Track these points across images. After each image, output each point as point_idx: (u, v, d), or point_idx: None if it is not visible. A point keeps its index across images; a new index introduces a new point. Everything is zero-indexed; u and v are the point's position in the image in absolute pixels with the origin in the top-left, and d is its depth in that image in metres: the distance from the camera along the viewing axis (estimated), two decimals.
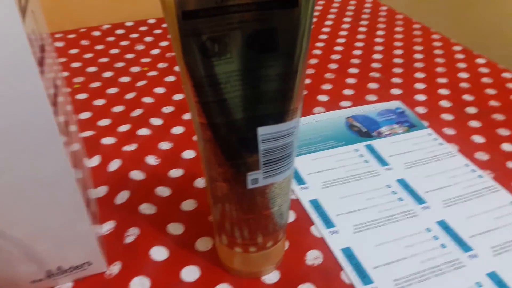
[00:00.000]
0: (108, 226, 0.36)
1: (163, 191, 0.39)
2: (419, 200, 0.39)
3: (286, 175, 0.27)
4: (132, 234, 0.35)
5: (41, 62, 0.24)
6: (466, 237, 0.35)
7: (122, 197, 0.38)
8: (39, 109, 0.23)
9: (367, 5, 0.81)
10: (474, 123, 0.48)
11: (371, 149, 0.44)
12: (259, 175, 0.25)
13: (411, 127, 0.48)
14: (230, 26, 0.21)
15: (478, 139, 0.46)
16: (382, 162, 0.43)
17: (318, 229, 0.36)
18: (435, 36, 0.69)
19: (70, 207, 0.27)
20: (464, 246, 0.34)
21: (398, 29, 0.71)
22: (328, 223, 0.36)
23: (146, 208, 0.37)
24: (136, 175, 0.40)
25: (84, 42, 0.65)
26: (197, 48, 0.21)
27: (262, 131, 0.24)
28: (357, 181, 0.41)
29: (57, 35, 0.67)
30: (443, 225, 0.36)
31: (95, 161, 0.42)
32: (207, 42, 0.21)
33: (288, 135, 0.25)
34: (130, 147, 0.44)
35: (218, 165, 0.25)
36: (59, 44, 0.65)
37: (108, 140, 0.45)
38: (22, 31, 0.20)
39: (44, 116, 0.23)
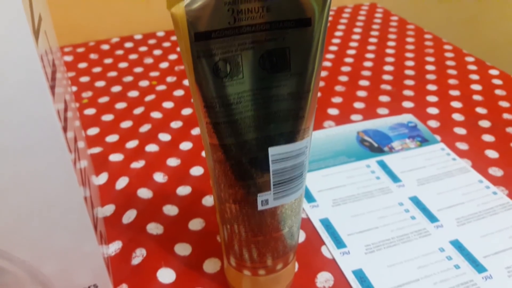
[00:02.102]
0: (115, 247, 0.35)
1: (170, 210, 0.38)
2: (432, 218, 0.38)
3: (297, 196, 0.26)
4: (139, 255, 0.34)
5: (53, 83, 0.24)
6: (480, 257, 0.34)
7: (129, 216, 0.38)
8: (48, 130, 0.22)
9: (377, 15, 0.81)
10: (488, 137, 0.47)
11: (382, 165, 0.44)
12: (270, 196, 0.25)
13: (423, 141, 0.47)
14: (242, 47, 0.21)
15: (491, 153, 0.45)
16: (394, 178, 0.42)
17: (329, 249, 0.35)
18: (447, 47, 0.68)
19: (78, 228, 0.27)
20: (478, 267, 0.33)
21: (409, 39, 0.71)
22: (339, 243, 0.35)
23: (153, 228, 0.36)
24: (144, 193, 0.40)
25: (93, 56, 0.65)
26: (209, 69, 0.21)
27: (273, 151, 0.23)
28: (369, 198, 0.40)
29: (66, 49, 0.67)
30: (457, 244, 0.35)
31: (102, 178, 0.42)
32: (219, 63, 0.21)
33: (300, 155, 0.24)
34: (138, 164, 0.43)
35: (228, 186, 0.25)
36: (68, 58, 0.64)
37: (116, 157, 0.44)
38: (36, 56, 0.20)
39: (53, 137, 0.23)
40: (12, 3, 0.19)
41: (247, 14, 0.20)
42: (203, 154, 0.45)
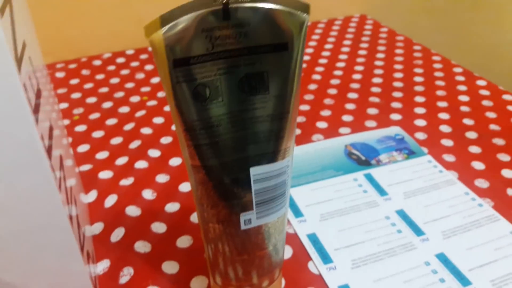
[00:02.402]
0: (103, 266, 0.35)
1: (158, 227, 0.39)
2: (418, 231, 0.38)
3: (280, 214, 0.26)
4: (126, 274, 0.34)
5: (36, 108, 0.24)
6: (465, 271, 0.35)
7: (118, 234, 0.38)
8: (31, 154, 0.23)
9: (367, 26, 0.81)
10: (474, 149, 0.48)
11: (370, 178, 0.44)
12: (252, 216, 0.25)
13: (411, 154, 0.47)
14: (221, 71, 0.21)
15: (478, 165, 0.45)
16: (381, 192, 0.42)
17: (316, 265, 0.35)
18: (435, 58, 0.69)
19: (63, 249, 0.27)
20: (463, 280, 0.34)
21: (398, 51, 0.71)
22: (326, 258, 0.36)
23: (141, 246, 0.37)
24: (132, 211, 0.40)
25: (84, 72, 0.66)
26: (189, 93, 0.21)
27: (255, 171, 0.24)
28: (356, 212, 0.40)
29: (58, 65, 0.68)
30: (442, 258, 0.36)
31: (92, 196, 0.42)
32: (199, 87, 0.21)
33: (281, 174, 0.25)
34: (127, 181, 0.44)
35: (211, 206, 0.25)
36: (60, 74, 0.65)
37: (105, 174, 0.45)
38: (18, 84, 0.20)
39: (36, 161, 0.23)
40: None
41: (224, 40, 0.21)
42: None
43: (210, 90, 0.21)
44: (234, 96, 0.22)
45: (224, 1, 0.20)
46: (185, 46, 0.20)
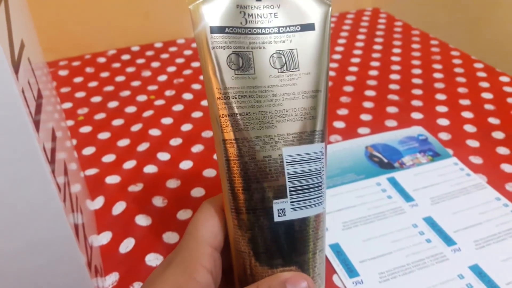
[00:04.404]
0: (112, 279, 0.33)
1: (170, 238, 0.36)
2: (448, 241, 0.35)
3: (316, 212, 0.24)
4: None
5: (37, 117, 0.22)
6: (503, 285, 0.32)
7: (127, 245, 0.35)
8: (34, 169, 0.21)
9: (381, 20, 0.79)
10: (503, 150, 0.45)
11: (394, 182, 0.41)
12: (287, 205, 0.24)
13: (435, 156, 0.44)
14: (253, 45, 0.23)
15: (508, 168, 0.43)
16: (407, 197, 0.40)
17: (341, 278, 0.33)
18: (454, 53, 0.66)
19: (69, 266, 0.25)
20: None
21: (415, 46, 0.68)
22: (352, 271, 0.33)
23: (153, 259, 0.34)
24: (142, 220, 0.38)
25: (88, 70, 0.63)
26: (223, 59, 0.23)
27: (287, 152, 0.23)
28: (381, 220, 0.37)
29: (61, 63, 0.65)
30: (477, 270, 0.33)
31: (98, 203, 0.40)
32: (232, 56, 0.23)
33: (315, 160, 0.24)
34: (136, 187, 0.41)
35: (242, 190, 0.23)
36: (63, 72, 0.62)
37: (112, 179, 0.42)
38: (15, 91, 0.19)
39: (36, 169, 0.21)
40: None
41: (256, 18, 0.23)
42: (204, 173, 0.43)
43: (243, 61, 0.23)
44: (266, 70, 0.23)
45: None
46: (221, 16, 0.23)
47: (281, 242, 0.24)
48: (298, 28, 0.24)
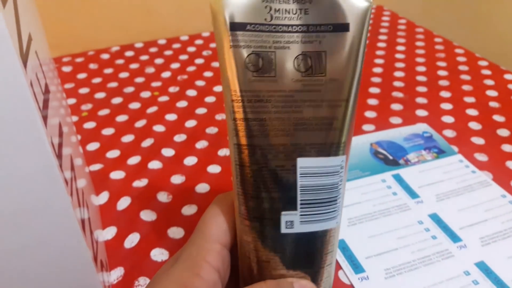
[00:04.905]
0: (117, 274, 0.33)
1: (175, 233, 0.36)
2: (454, 238, 0.35)
3: (328, 227, 0.23)
4: (142, 285, 0.32)
5: (44, 112, 0.22)
6: (509, 281, 0.32)
7: (132, 240, 0.35)
8: (43, 163, 0.21)
9: (384, 18, 0.78)
10: (508, 147, 0.45)
11: (399, 179, 0.41)
12: (296, 218, 0.22)
13: (440, 153, 0.44)
14: (277, 45, 0.21)
15: None
16: (412, 194, 0.40)
17: (346, 274, 0.33)
18: (458, 51, 0.66)
19: (76, 260, 0.25)
20: None
21: (419, 43, 0.68)
22: (357, 267, 0.33)
23: (158, 254, 0.34)
24: (147, 215, 0.38)
25: (92, 66, 0.63)
26: (241, 60, 0.21)
27: (302, 163, 0.22)
28: (386, 216, 0.37)
29: (65, 59, 0.65)
30: (483, 267, 0.33)
31: (103, 198, 0.40)
32: (251, 56, 0.21)
33: (333, 173, 0.22)
34: (141, 183, 0.41)
35: (250, 197, 0.22)
36: (67, 68, 0.62)
37: (117, 174, 0.42)
38: (24, 83, 0.19)
39: (46, 164, 0.21)
40: None
41: (284, 14, 0.21)
42: (209, 169, 0.43)
43: (263, 62, 0.21)
44: (288, 73, 0.21)
45: None
46: (244, 12, 0.21)
47: (286, 254, 0.23)
48: (330, 27, 0.21)
